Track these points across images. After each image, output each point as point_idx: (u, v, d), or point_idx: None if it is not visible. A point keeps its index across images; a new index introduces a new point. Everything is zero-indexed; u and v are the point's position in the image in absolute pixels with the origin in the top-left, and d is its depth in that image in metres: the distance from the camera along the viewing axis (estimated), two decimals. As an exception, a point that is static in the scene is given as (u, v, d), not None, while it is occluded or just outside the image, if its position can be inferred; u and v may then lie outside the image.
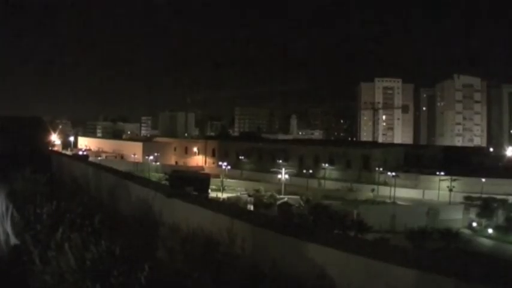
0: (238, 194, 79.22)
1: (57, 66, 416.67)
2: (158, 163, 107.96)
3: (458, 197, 79.31)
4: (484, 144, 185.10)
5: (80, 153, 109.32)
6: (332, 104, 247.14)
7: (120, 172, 14.26)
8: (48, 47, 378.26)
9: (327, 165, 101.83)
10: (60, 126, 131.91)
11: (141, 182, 11.73)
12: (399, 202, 79.03)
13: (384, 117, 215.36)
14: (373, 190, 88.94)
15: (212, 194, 67.00)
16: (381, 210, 69.51)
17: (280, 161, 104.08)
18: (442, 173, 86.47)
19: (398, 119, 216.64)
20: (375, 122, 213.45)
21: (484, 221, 67.51)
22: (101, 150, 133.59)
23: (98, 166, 16.89)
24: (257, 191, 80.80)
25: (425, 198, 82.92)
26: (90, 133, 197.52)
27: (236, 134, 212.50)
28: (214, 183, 75.01)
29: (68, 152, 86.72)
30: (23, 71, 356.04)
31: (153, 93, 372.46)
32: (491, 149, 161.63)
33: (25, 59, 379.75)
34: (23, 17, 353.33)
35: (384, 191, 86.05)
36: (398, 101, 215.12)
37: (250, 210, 40.70)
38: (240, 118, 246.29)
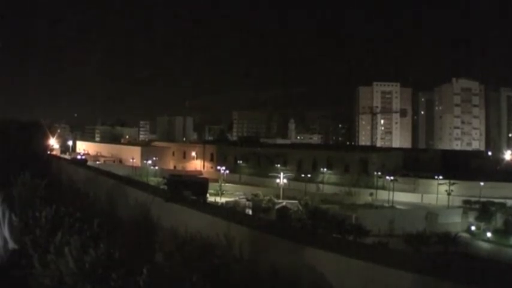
0: (237, 198, 79.19)
1: (56, 70, 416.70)
2: (156, 167, 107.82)
3: (457, 201, 79.41)
4: (483, 148, 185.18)
5: (79, 157, 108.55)
6: (330, 108, 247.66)
7: (118, 176, 14.28)
8: (48, 51, 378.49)
9: (325, 169, 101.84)
10: (59, 130, 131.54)
11: (139, 186, 11.75)
12: (398, 206, 79.09)
13: (382, 121, 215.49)
14: (371, 194, 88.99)
15: (210, 199, 66.92)
16: (380, 214, 69.57)
17: (279, 166, 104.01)
18: (441, 177, 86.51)
19: (396, 123, 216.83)
20: (373, 126, 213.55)
21: (482, 225, 67.67)
22: (99, 154, 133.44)
23: (96, 170, 16.91)
24: (255, 195, 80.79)
25: (423, 202, 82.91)
26: (88, 137, 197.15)
27: (234, 138, 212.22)
28: (212, 187, 74.98)
29: (67, 156, 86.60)
30: (22, 74, 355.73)
31: (152, 97, 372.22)
32: (489, 153, 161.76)
33: (24, 62, 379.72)
34: (22, 20, 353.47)
35: (383, 195, 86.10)
36: (396, 105, 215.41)
37: (248, 215, 40.74)
38: (238, 123, 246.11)
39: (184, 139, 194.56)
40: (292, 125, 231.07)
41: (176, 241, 6.54)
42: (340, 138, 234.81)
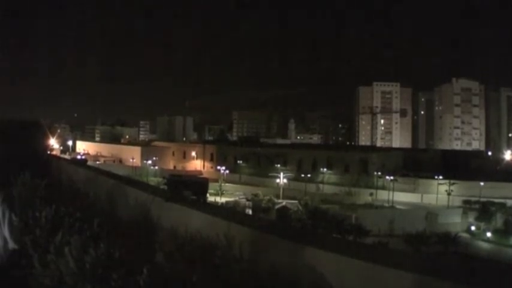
0: (237, 198, 79.17)
1: (56, 70, 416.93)
2: (156, 167, 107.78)
3: (457, 201, 79.42)
4: (483, 148, 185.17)
5: (79, 157, 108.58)
6: (330, 108, 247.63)
7: (118, 176, 14.26)
8: (48, 51, 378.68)
9: (325, 169, 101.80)
10: (59, 130, 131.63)
11: (139, 186, 11.74)
12: (398, 206, 79.07)
13: (382, 121, 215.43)
14: (371, 194, 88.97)
15: (210, 199, 66.86)
16: (380, 214, 69.58)
17: (279, 166, 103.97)
18: (441, 177, 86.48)
19: (396, 123, 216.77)
20: (373, 126, 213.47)
21: (482, 225, 67.70)
22: (99, 154, 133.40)
23: (96, 170, 16.88)
24: (255, 195, 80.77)
25: (423, 202, 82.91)
26: (88, 137, 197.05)
27: (234, 138, 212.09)
28: (212, 187, 74.99)
29: (67, 156, 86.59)
30: (22, 73, 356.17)
31: (152, 97, 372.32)
32: (489, 153, 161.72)
33: (24, 63, 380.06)
34: (22, 21, 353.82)
35: (383, 195, 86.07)
36: (396, 105, 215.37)
37: (248, 214, 40.74)
38: (238, 123, 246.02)
39: (184, 139, 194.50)
40: (292, 125, 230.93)
41: (176, 241, 6.53)
42: (340, 138, 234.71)
